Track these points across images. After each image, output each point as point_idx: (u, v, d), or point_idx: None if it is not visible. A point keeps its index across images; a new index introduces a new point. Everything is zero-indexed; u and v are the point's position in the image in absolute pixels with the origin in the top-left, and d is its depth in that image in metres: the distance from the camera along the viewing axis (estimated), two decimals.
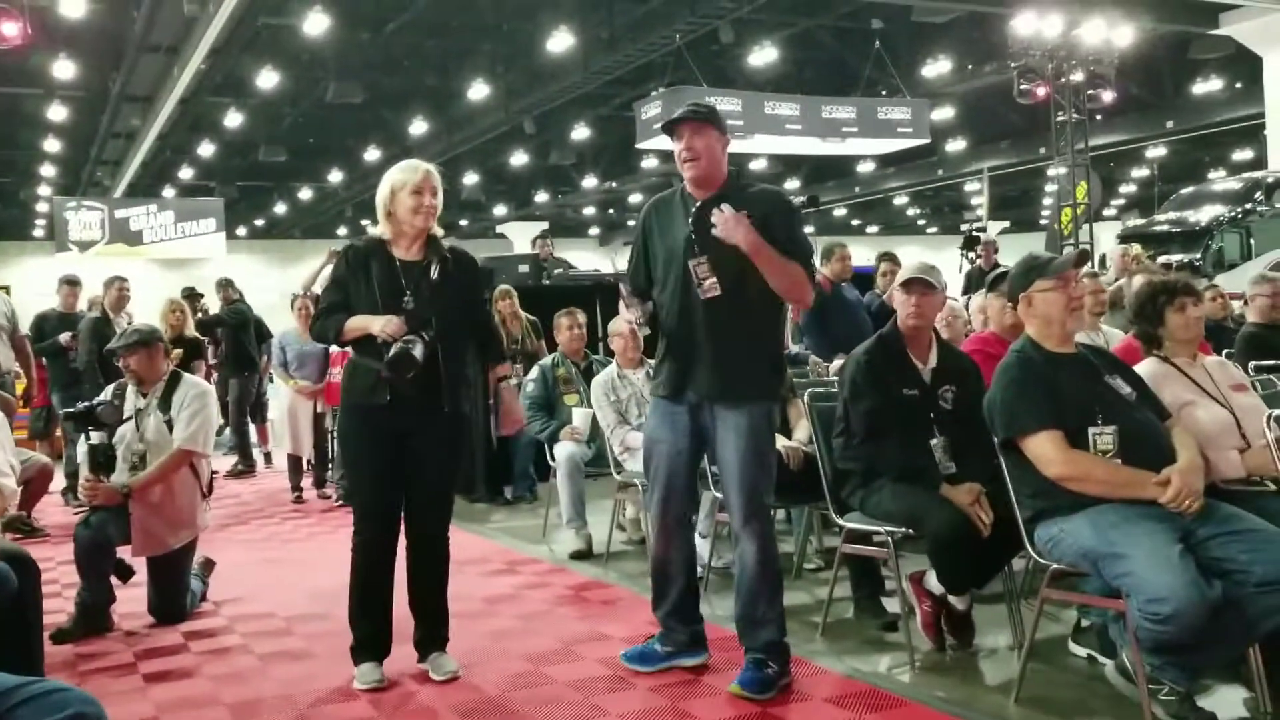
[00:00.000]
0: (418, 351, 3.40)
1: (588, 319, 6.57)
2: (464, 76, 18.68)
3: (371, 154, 22.29)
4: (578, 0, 16.09)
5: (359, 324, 3.54)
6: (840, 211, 34.09)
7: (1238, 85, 19.64)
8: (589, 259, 27.71)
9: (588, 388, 5.73)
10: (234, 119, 19.81)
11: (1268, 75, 15.45)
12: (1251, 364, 4.74)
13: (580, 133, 22.45)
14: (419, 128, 21.14)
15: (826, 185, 27.99)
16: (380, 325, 3.47)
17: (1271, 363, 4.72)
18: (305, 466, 7.93)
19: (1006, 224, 33.01)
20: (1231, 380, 3.54)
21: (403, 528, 3.74)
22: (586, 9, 16.30)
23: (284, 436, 7.90)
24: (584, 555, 5.52)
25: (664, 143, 17.69)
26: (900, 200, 33.31)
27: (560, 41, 16.19)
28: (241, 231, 31.27)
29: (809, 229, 12.77)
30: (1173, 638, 2.71)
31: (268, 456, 9.72)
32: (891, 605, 4.04)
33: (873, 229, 38.84)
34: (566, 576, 5.15)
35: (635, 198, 31.52)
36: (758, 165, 25.86)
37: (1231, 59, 17.16)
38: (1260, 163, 17.37)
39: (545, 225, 26.11)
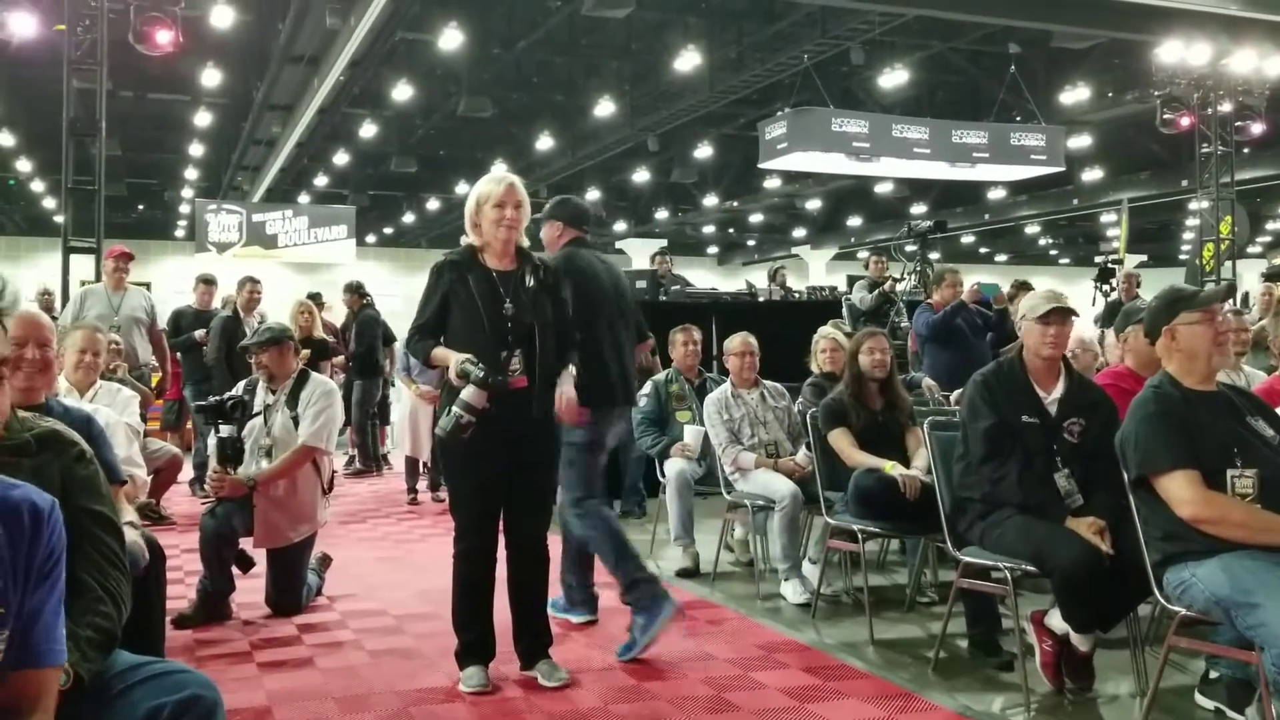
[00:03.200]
0: (471, 411, 3.48)
1: (703, 336, 6.55)
2: (591, 93, 18.94)
3: (498, 167, 22.76)
4: (706, 20, 16.16)
5: (441, 357, 3.64)
6: (969, 239, 33.36)
7: None
8: (707, 277, 27.69)
9: (700, 405, 5.70)
10: (369, 129, 20.48)
11: None
12: None
13: (703, 151, 22.51)
14: (545, 143, 21.51)
15: (955, 211, 27.39)
16: (451, 371, 3.54)
17: None
18: (421, 469, 8.09)
19: (1144, 258, 31.81)
20: None
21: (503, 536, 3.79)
22: (715, 29, 16.36)
23: (404, 439, 8.08)
24: (691, 573, 5.48)
25: (787, 163, 17.71)
26: (1032, 229, 32.39)
27: (687, 61, 16.28)
28: (371, 239, 32.24)
29: (934, 255, 12.54)
30: None
31: (384, 458, 9.95)
32: (1008, 643, 3.89)
33: (1002, 257, 37.86)
34: (673, 594, 5.08)
35: (756, 217, 31.46)
36: (884, 188, 25.52)
37: None
38: None
39: (664, 242, 26.25)
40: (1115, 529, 3.33)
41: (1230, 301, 5.56)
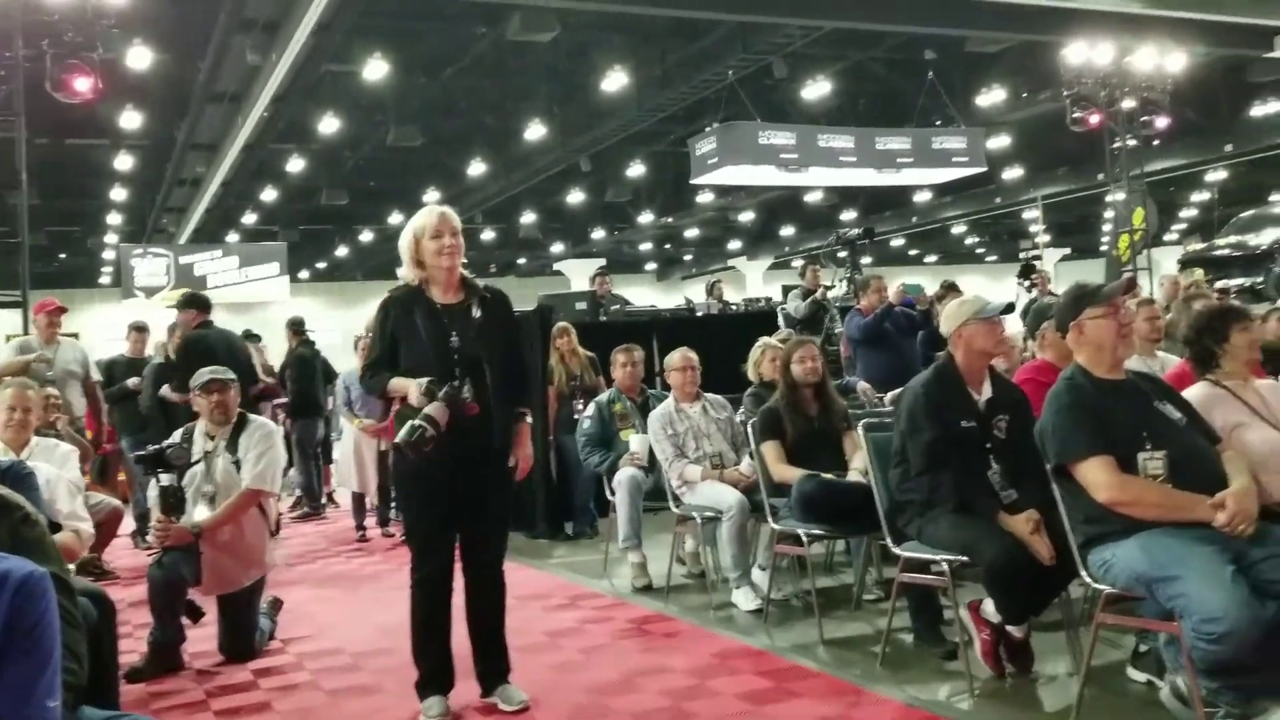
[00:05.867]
0: (434, 425, 3.48)
1: (644, 354, 6.64)
2: (520, 117, 19.01)
3: (430, 195, 22.70)
4: (631, 40, 16.34)
5: (399, 386, 3.66)
6: (898, 242, 33.94)
7: None
8: (646, 294, 27.87)
9: (644, 423, 5.78)
10: (296, 164, 20.36)
11: None
12: None
13: (636, 169, 22.69)
14: (477, 168, 21.54)
15: (884, 215, 27.92)
16: (414, 394, 3.56)
17: None
18: (369, 506, 8.05)
19: (1067, 251, 32.63)
20: None
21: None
22: (640, 48, 16.55)
23: (349, 475, 8.04)
24: (645, 589, 5.55)
25: (718, 177, 17.98)
26: (958, 229, 33.10)
27: (614, 80, 16.45)
28: (304, 274, 31.98)
29: (866, 260, 12.82)
30: (1227, 658, 2.71)
31: (330, 497, 9.87)
32: (951, 634, 4.03)
33: (931, 259, 38.59)
34: (628, 610, 5.19)
35: (692, 232, 31.71)
36: (814, 197, 25.90)
37: None
38: None
39: (603, 262, 26.38)
40: (1045, 518, 3.47)
41: (1141, 292, 5.80)
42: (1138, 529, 3.02)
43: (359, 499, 8.01)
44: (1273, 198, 23.28)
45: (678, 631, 4.71)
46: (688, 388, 5.59)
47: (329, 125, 17.74)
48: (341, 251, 30.28)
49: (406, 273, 3.80)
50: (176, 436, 4.89)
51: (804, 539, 4.51)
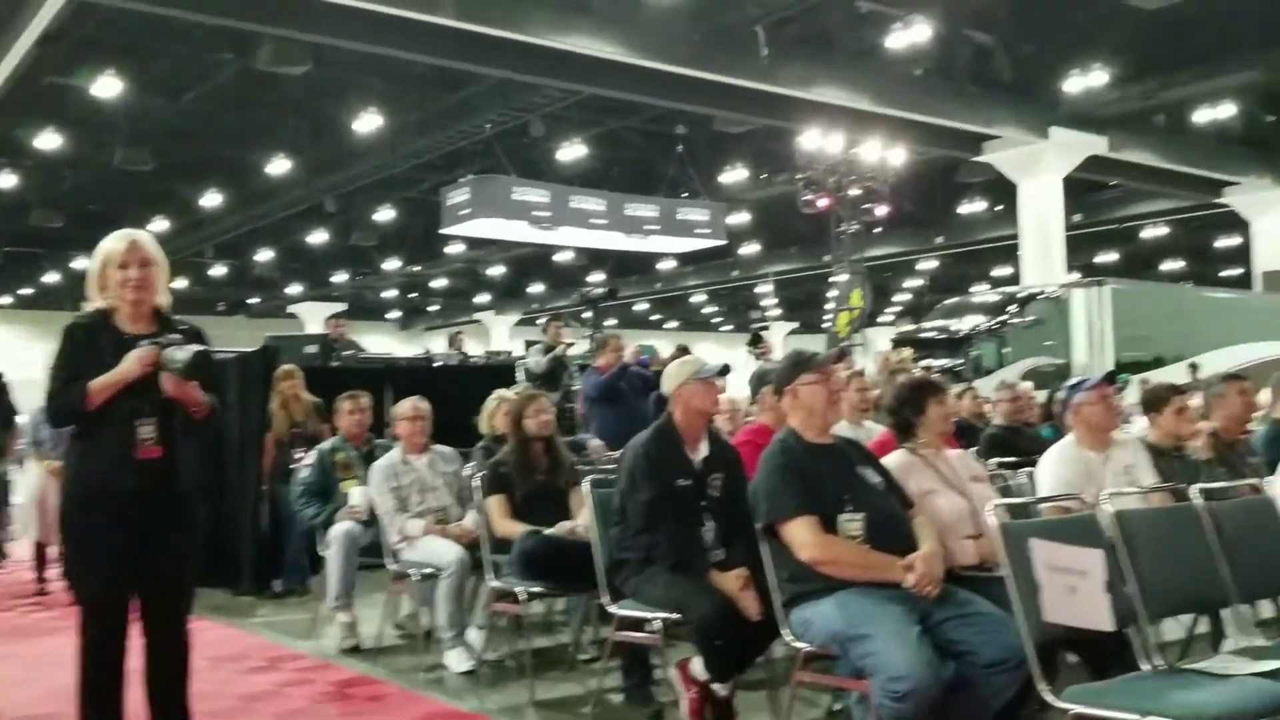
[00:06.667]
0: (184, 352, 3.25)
1: (374, 403, 6.38)
2: (264, 150, 18.26)
3: (159, 224, 21.33)
4: (389, 83, 16.10)
5: (104, 381, 3.24)
6: (642, 306, 34.97)
7: (999, 207, 21.53)
8: (387, 343, 27.22)
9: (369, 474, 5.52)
10: (6, 180, 18.66)
11: (1020, 200, 17.05)
12: (994, 461, 5.08)
13: (385, 214, 22.24)
14: (212, 199, 20.48)
15: (630, 279, 28.70)
16: (135, 360, 3.22)
17: (1013, 460, 5.08)
18: (51, 556, 7.26)
19: (796, 325, 34.69)
20: (971, 472, 3.80)
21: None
22: (398, 92, 16.33)
23: (31, 522, 7.23)
24: (354, 650, 5.27)
25: (469, 229, 17.99)
26: (698, 298, 34.52)
27: (368, 122, 16.15)
28: (6, 300, 29.17)
29: (611, 321, 13.07)
30: (910, 715, 2.83)
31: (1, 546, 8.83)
32: (661, 693, 4.03)
33: (673, 324, 39.95)
34: (333, 672, 4.90)
35: (439, 282, 31.35)
36: (564, 257, 26.27)
37: (993, 184, 18.83)
38: (1016, 278, 19.00)
39: (344, 306, 25.54)
40: (754, 576, 3.56)
41: (851, 364, 6.21)
42: (836, 588, 3.13)
43: (41, 549, 7.21)
44: (974, 288, 25.74)
45: (383, 695, 4.48)
46: (416, 438, 5.40)
47: (48, 141, 16.42)
48: (52, 277, 27.87)
49: (93, 298, 3.45)
50: None
51: (523, 596, 4.42)
